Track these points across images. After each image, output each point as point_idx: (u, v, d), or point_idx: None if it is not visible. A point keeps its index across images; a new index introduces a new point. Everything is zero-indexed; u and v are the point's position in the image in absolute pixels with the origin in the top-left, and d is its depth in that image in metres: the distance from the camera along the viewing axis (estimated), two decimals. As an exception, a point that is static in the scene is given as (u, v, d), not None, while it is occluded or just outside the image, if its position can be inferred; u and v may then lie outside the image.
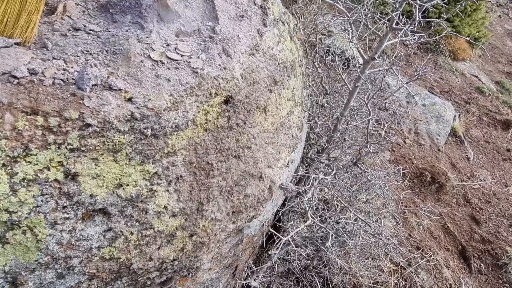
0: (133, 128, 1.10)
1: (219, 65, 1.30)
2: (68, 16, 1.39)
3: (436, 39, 5.93)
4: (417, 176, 4.44)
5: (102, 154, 1.09)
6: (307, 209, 1.97)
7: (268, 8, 1.60)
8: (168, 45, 1.30)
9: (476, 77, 7.11)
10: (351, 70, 2.59)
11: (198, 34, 1.42)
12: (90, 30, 1.34)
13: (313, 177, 2.16)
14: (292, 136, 1.91)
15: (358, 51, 1.97)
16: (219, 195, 1.48)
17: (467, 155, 5.06)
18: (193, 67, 1.24)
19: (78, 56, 1.21)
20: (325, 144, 2.41)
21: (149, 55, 1.22)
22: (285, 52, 1.78)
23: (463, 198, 4.36)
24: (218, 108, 1.36)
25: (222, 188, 1.47)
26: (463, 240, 3.90)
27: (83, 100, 1.02)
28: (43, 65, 1.11)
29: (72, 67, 1.14)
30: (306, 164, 2.65)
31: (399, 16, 1.89)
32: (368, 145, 2.36)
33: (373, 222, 2.25)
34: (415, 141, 4.98)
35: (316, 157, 2.51)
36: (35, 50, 1.21)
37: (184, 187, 1.35)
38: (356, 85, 2.19)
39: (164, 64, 1.22)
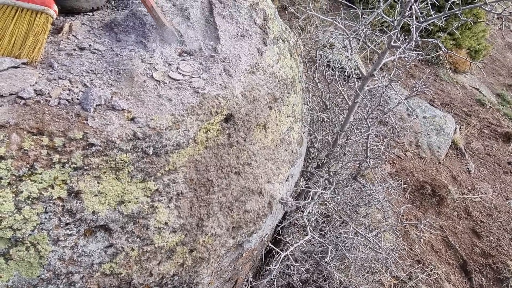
0: (135, 147, 1.13)
1: (220, 84, 1.34)
2: (73, 35, 1.43)
3: (436, 51, 5.98)
4: (417, 189, 4.45)
5: (104, 172, 1.12)
6: (307, 223, 1.98)
7: (268, 28, 1.64)
8: (170, 64, 1.34)
9: (477, 89, 7.14)
10: (350, 85, 2.62)
11: (200, 53, 1.46)
12: (95, 49, 1.38)
13: (313, 192, 2.18)
14: (292, 152, 1.93)
15: (357, 67, 2.00)
16: (219, 211, 1.50)
17: (468, 168, 5.07)
18: (194, 87, 1.27)
19: (83, 75, 1.25)
20: (324, 159, 2.44)
21: (151, 75, 1.26)
22: (285, 70, 1.81)
23: (464, 211, 4.35)
24: (219, 126, 1.39)
25: (222, 204, 1.50)
26: (464, 254, 3.88)
27: (87, 120, 1.05)
28: (49, 85, 1.14)
29: (77, 87, 1.17)
30: (306, 178, 2.67)
31: (397, 34, 1.93)
32: (368, 160, 2.38)
33: (372, 236, 2.26)
34: (416, 154, 4.99)
35: (315, 171, 2.53)
36: (42, 70, 1.25)
37: (184, 204, 1.37)
38: (356, 101, 2.23)
39: (166, 84, 1.25)
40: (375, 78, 2.16)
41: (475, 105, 6.57)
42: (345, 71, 2.89)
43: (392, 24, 1.92)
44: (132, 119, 1.13)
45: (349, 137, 2.36)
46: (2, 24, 1.29)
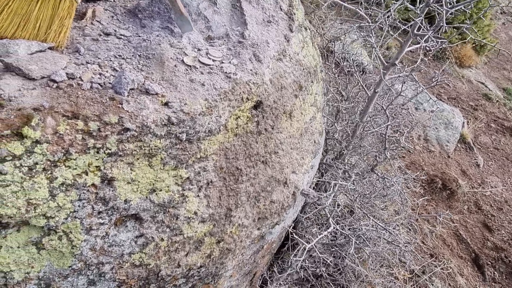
0: (169, 133, 1.09)
1: (251, 70, 1.30)
2: (97, 21, 1.39)
3: (446, 45, 5.92)
4: (428, 182, 4.42)
5: (138, 159, 1.08)
6: (329, 215, 1.95)
7: (294, 14, 1.60)
8: (199, 50, 1.30)
9: (483, 83, 7.11)
10: (367, 75, 2.58)
11: (227, 39, 1.42)
12: (121, 35, 1.34)
13: (334, 183, 2.15)
14: (315, 142, 1.90)
15: (379, 57, 1.97)
16: (247, 201, 1.47)
17: (476, 162, 5.04)
18: (226, 72, 1.24)
19: (111, 60, 1.21)
20: (344, 150, 2.40)
21: (182, 60, 1.22)
22: (309, 58, 1.77)
23: (475, 205, 4.33)
24: (248, 113, 1.35)
25: (249, 194, 1.46)
26: (476, 248, 3.86)
27: (122, 104, 1.02)
28: (79, 69, 1.10)
29: (107, 71, 1.14)
30: (322, 170, 2.64)
31: (422, 21, 1.89)
32: (386, 151, 2.35)
33: (392, 229, 2.23)
34: (425, 148, 4.96)
35: (334, 163, 2.50)
36: (69, 55, 1.21)
37: (214, 193, 1.33)
38: (376, 90, 2.19)
39: (197, 68, 1.21)
40: (395, 70, 2.13)
41: (481, 99, 6.54)
42: (361, 62, 2.85)
43: (417, 12, 1.88)
44: (166, 104, 1.09)
45: (367, 128, 2.32)
46: (26, 9, 1.25)
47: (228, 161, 1.33)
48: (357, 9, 1.90)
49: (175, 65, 1.20)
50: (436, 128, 5.23)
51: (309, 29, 1.92)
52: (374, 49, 1.89)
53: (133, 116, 1.02)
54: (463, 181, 4.52)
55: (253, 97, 1.32)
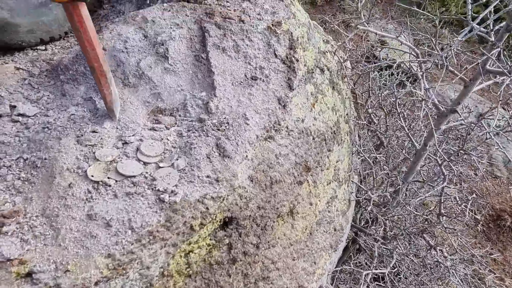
0: (36, 325, 0.61)
1: (207, 176, 0.78)
2: (-4, 90, 0.94)
3: None
4: (493, 219, 3.63)
5: None
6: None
7: (297, 60, 1.05)
8: (126, 143, 0.80)
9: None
10: (416, 105, 1.96)
11: (183, 112, 0.91)
12: (19, 115, 0.88)
13: (365, 274, 1.57)
14: (335, 230, 1.34)
15: (434, 104, 1.36)
16: None
17: (557, 192, 4.12)
18: (158, 190, 0.73)
19: (-22, 171, 0.75)
20: (380, 216, 1.81)
21: (85, 172, 0.73)
22: (325, 115, 1.22)
23: (557, 251, 3.48)
24: (210, 240, 0.84)
25: None
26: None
27: None
28: None
29: (-48, 203, 0.68)
30: (352, 232, 2.05)
31: (499, 53, 1.26)
32: (441, 217, 1.73)
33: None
34: (489, 173, 4.13)
35: (366, 229, 1.91)
36: None
37: None
38: (427, 144, 1.58)
39: (109, 188, 0.72)
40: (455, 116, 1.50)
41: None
42: (404, 72, 2.20)
43: (490, 39, 1.25)
44: (29, 275, 0.61)
45: (416, 193, 1.71)
46: None
47: (178, 315, 0.83)
48: (398, 39, 1.30)
49: (69, 184, 0.71)
50: (503, 147, 4.37)
51: (328, 69, 1.35)
52: (426, 98, 1.29)
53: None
54: (540, 219, 3.66)
55: (215, 217, 0.81)
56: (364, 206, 1.85)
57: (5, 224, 0.65)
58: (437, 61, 1.25)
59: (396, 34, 1.34)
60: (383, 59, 4.01)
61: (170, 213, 0.71)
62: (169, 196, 0.72)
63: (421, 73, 1.37)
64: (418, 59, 1.30)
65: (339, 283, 1.86)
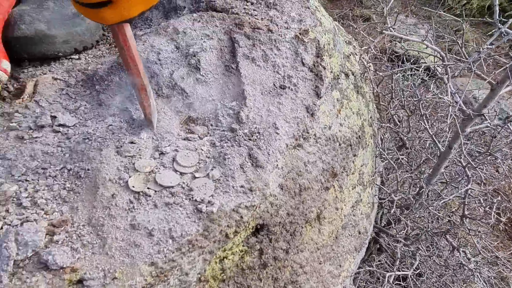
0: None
1: (241, 186, 0.81)
2: (36, 101, 0.99)
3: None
4: (516, 218, 3.56)
5: None
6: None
7: (324, 68, 1.07)
8: (162, 153, 0.84)
9: None
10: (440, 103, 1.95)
11: (215, 122, 0.94)
12: (60, 125, 0.92)
13: (388, 275, 1.58)
14: (359, 233, 1.36)
15: (460, 108, 1.35)
16: None
17: None
18: (196, 200, 0.76)
19: (27, 182, 0.79)
20: (402, 218, 1.81)
21: (127, 182, 0.76)
22: (350, 121, 1.23)
23: None
24: (242, 246, 0.87)
25: None
26: None
27: (-10, 303, 0.59)
28: (-41, 214, 0.70)
29: (6, 212, 0.72)
30: (373, 232, 2.06)
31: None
32: (464, 219, 1.72)
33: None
34: (512, 171, 4.04)
35: (387, 230, 1.92)
36: (-27, 170, 0.82)
37: None
38: (452, 147, 1.57)
39: (149, 198, 0.75)
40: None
41: None
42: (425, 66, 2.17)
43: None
44: (80, 282, 0.65)
45: (438, 194, 1.71)
46: None
47: (212, 318, 0.87)
48: (424, 43, 1.29)
49: (113, 195, 0.75)
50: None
51: (353, 73, 1.36)
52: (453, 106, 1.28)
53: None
54: None
55: (248, 225, 0.84)
56: (386, 207, 1.86)
57: (56, 233, 0.69)
58: (462, 64, 1.24)
59: (421, 37, 1.33)
60: (406, 59, 3.96)
61: (208, 222, 0.74)
62: (206, 206, 0.75)
63: (447, 76, 1.36)
64: (444, 63, 1.29)
65: (360, 283, 1.87)
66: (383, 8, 1.31)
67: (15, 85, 1.05)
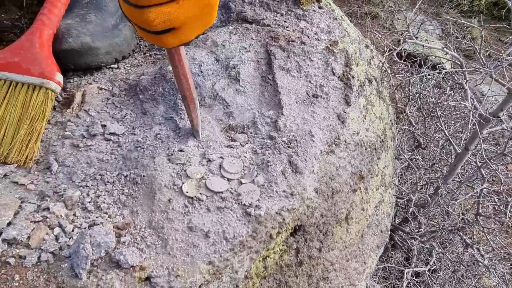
0: (152, 324, 0.73)
1: (284, 191, 0.88)
2: (85, 110, 1.06)
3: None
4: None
5: None
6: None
7: (353, 77, 1.13)
8: (210, 161, 0.91)
9: None
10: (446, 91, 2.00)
11: (254, 130, 1.00)
12: (111, 133, 1.00)
13: (406, 272, 1.66)
14: (381, 232, 1.43)
15: (479, 114, 1.41)
16: None
17: None
18: (244, 204, 0.83)
19: (87, 187, 0.87)
20: (418, 215, 1.88)
21: (181, 188, 0.84)
22: (374, 125, 1.30)
23: None
24: (282, 246, 0.94)
25: None
26: None
27: (74, 300, 0.67)
28: (33, 217, 0.77)
29: (73, 216, 0.80)
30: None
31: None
32: (479, 217, 1.79)
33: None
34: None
35: (403, 227, 1.99)
36: (36, 175, 0.90)
37: None
38: (468, 148, 1.63)
39: (202, 202, 0.83)
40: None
41: None
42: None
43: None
44: (148, 279, 0.72)
45: (453, 193, 1.77)
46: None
47: (254, 311, 0.94)
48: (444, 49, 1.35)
49: (169, 200, 0.82)
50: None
51: (375, 78, 1.42)
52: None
53: (91, 318, 0.67)
54: None
55: (288, 225, 0.91)
56: (403, 206, 1.93)
57: (122, 235, 0.76)
58: (483, 71, 1.30)
59: (428, 34, 1.38)
60: (414, 56, 4.00)
61: (256, 225, 0.82)
62: (255, 210, 0.82)
63: (465, 81, 1.42)
64: (462, 69, 1.35)
65: (378, 279, 1.94)
66: (407, 18, 1.37)
67: (63, 94, 1.12)
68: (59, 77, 1.03)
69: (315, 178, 0.98)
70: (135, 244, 0.75)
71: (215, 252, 0.77)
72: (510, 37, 1.31)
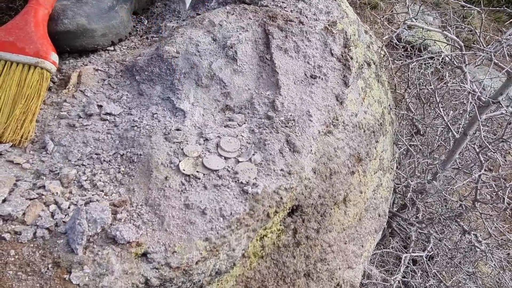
0: (149, 299, 0.72)
1: (281, 170, 0.87)
2: (81, 91, 1.05)
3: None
4: (522, 204, 3.63)
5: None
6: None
7: (351, 58, 1.12)
8: (207, 140, 0.90)
9: None
10: (446, 81, 1.99)
11: (252, 110, 1.00)
12: (107, 113, 0.99)
13: (404, 257, 1.66)
14: (379, 216, 1.43)
15: (479, 97, 1.41)
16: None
17: None
18: (241, 182, 0.83)
19: (83, 165, 0.86)
20: (415, 202, 1.88)
21: (177, 166, 0.83)
22: (372, 108, 1.29)
23: None
24: (280, 225, 0.94)
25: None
26: None
27: (70, 273, 0.66)
28: (28, 194, 0.77)
29: (69, 193, 0.79)
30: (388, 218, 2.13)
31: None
32: (476, 204, 1.79)
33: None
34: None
35: (400, 214, 1.99)
36: (31, 155, 0.89)
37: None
38: (467, 133, 1.63)
39: (199, 180, 0.82)
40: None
41: None
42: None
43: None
44: (144, 255, 0.72)
45: (452, 181, 1.77)
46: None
47: (251, 291, 0.94)
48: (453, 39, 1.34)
49: (165, 177, 0.82)
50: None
51: (374, 62, 1.41)
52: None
53: (87, 292, 0.67)
54: None
55: (286, 205, 0.91)
56: (401, 192, 1.93)
57: (118, 212, 0.76)
58: (483, 54, 1.29)
59: (428, 24, 1.37)
60: (412, 46, 3.97)
61: (253, 203, 0.81)
62: (252, 188, 0.82)
63: (465, 64, 1.41)
64: (462, 52, 1.34)
65: (375, 264, 1.95)
66: (396, 0, 1.36)
67: (58, 76, 1.11)
68: (55, 57, 1.02)
69: (313, 158, 0.97)
70: (131, 220, 0.75)
71: (212, 229, 0.76)
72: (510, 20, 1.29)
